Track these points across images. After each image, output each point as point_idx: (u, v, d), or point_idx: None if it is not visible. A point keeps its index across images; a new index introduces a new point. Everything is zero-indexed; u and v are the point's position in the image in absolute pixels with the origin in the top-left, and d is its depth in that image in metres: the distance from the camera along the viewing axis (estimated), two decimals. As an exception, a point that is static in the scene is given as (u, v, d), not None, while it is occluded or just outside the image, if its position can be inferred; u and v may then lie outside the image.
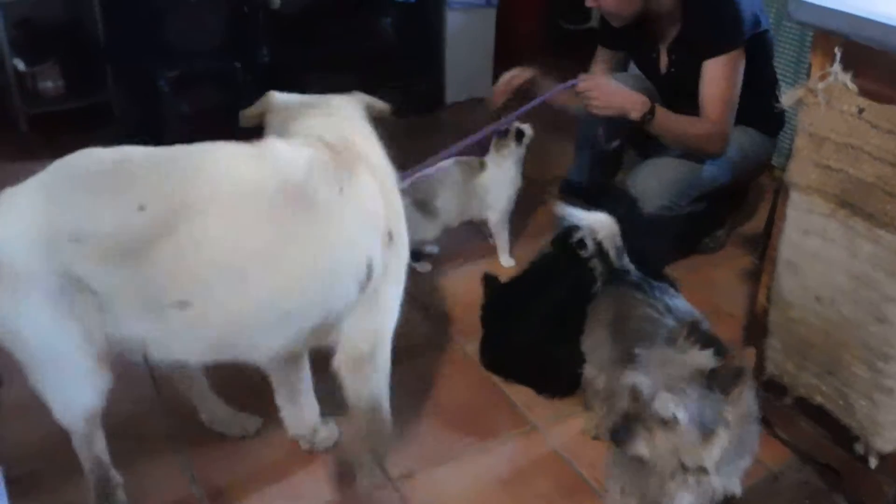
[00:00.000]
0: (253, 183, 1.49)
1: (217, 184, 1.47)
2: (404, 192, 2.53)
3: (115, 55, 3.31)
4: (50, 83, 3.56)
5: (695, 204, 2.53)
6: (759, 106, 2.38)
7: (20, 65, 3.45)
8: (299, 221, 1.50)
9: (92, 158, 1.48)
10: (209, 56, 3.38)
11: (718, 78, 2.32)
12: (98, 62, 3.45)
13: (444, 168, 2.61)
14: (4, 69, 3.38)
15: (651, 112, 2.31)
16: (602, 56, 2.68)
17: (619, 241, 1.86)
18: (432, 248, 2.71)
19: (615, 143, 2.62)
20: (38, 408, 1.57)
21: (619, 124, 2.44)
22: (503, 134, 2.63)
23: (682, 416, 1.35)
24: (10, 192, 1.47)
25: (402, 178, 1.98)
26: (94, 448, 1.65)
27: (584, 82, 2.34)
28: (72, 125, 3.36)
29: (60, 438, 1.66)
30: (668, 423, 1.37)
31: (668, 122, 2.36)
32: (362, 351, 1.66)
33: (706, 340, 1.43)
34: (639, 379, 1.39)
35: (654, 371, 1.39)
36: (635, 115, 2.32)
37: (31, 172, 3.02)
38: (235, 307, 1.47)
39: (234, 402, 2.03)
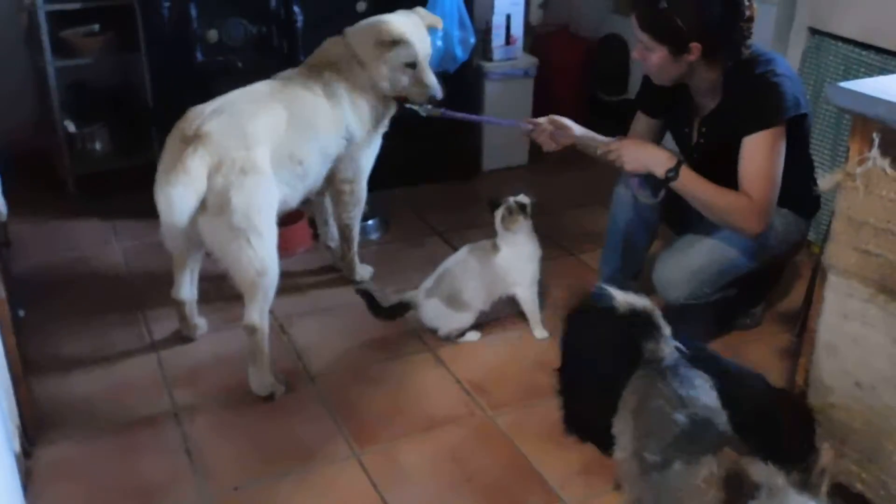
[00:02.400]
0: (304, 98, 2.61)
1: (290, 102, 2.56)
2: (430, 292, 2.62)
3: (161, 118, 3.40)
4: (98, 144, 3.67)
5: (724, 290, 2.49)
6: (795, 188, 2.37)
7: (70, 126, 3.56)
8: (322, 113, 2.62)
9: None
10: (252, 122, 3.47)
11: (758, 153, 2.30)
12: (145, 125, 3.55)
13: (461, 260, 2.64)
14: (55, 130, 3.49)
15: (676, 169, 2.33)
16: (640, 121, 2.69)
17: (658, 321, 1.82)
18: (473, 336, 2.69)
19: (659, 197, 2.49)
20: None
21: (656, 181, 2.44)
22: (508, 211, 2.62)
23: None
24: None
25: (443, 115, 2.78)
26: None
27: (614, 143, 2.45)
28: (118, 186, 3.45)
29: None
30: None
31: (696, 185, 2.35)
32: (348, 176, 2.80)
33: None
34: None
35: None
36: (660, 169, 2.35)
37: (79, 231, 3.15)
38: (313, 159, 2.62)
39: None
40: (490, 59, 3.84)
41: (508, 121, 2.96)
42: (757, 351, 2.64)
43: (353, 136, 2.71)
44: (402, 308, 2.66)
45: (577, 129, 2.65)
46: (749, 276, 2.52)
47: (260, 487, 2.05)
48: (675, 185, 2.36)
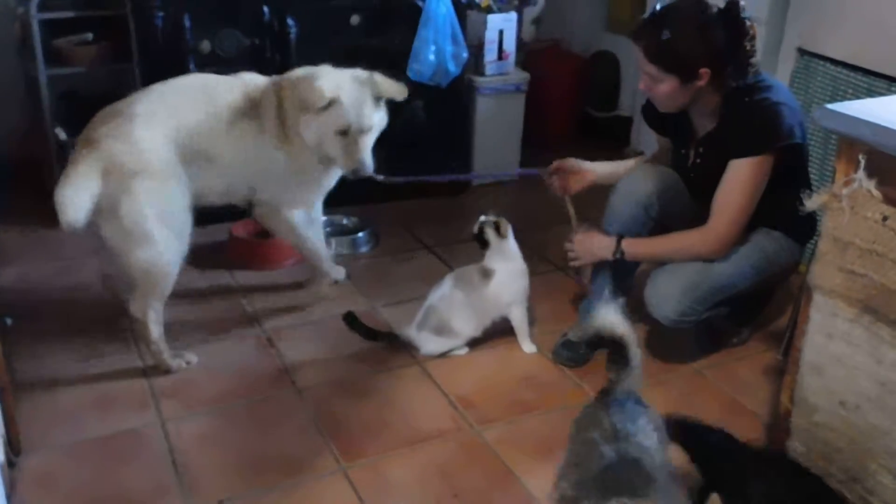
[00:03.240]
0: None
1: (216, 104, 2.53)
2: (420, 326, 2.63)
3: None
4: (89, 153, 3.66)
5: (715, 309, 2.50)
6: (789, 213, 2.37)
7: (62, 135, 3.55)
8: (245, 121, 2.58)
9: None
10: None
11: (736, 181, 2.32)
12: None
13: (445, 295, 2.63)
14: (46, 139, 3.48)
15: (618, 249, 2.47)
16: (659, 139, 2.73)
17: (629, 351, 1.74)
18: (461, 350, 2.68)
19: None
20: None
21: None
22: (480, 234, 2.64)
23: None
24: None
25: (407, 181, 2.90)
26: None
27: (570, 246, 2.60)
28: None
29: None
30: None
31: (646, 247, 2.49)
32: (265, 200, 2.73)
33: None
34: None
35: None
36: (607, 253, 2.50)
37: (65, 241, 3.13)
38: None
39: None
40: (482, 74, 3.86)
41: (495, 174, 2.74)
42: (743, 369, 2.65)
43: (277, 160, 2.63)
44: (393, 338, 2.67)
45: (596, 168, 2.70)
46: (739, 296, 2.53)
47: (246, 500, 2.04)
48: (627, 257, 2.48)
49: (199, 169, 2.49)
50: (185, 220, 2.46)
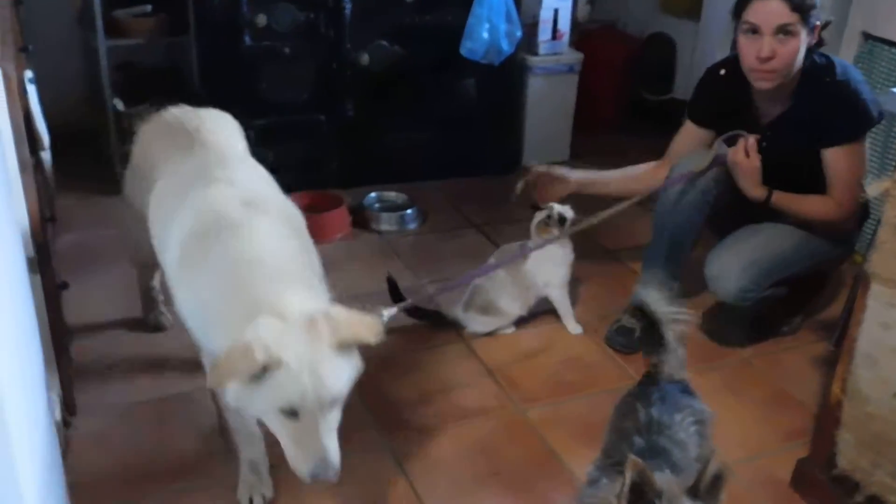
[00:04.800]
0: None
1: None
2: (467, 306, 2.63)
3: (207, 102, 3.43)
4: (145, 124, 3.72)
5: (775, 288, 2.48)
6: None
7: (119, 105, 3.62)
8: None
9: None
10: (296, 108, 3.51)
11: (847, 163, 2.36)
12: (192, 107, 3.59)
13: (489, 270, 2.61)
14: (105, 109, 3.55)
15: (769, 193, 2.41)
16: (688, 132, 2.67)
17: (667, 335, 1.76)
18: (508, 328, 2.68)
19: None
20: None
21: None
22: (547, 219, 2.60)
23: None
24: None
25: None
26: None
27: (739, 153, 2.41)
28: (162, 166, 3.50)
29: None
30: None
31: (788, 200, 2.43)
32: None
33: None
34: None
35: None
36: (759, 193, 2.41)
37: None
38: None
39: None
40: (535, 54, 3.83)
41: (487, 267, 2.59)
42: (792, 359, 2.61)
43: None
44: (436, 316, 2.67)
45: (574, 174, 2.70)
46: (797, 276, 2.51)
47: (289, 471, 2.07)
48: (772, 202, 2.42)
49: None
50: None
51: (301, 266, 1.76)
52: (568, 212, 2.61)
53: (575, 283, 2.75)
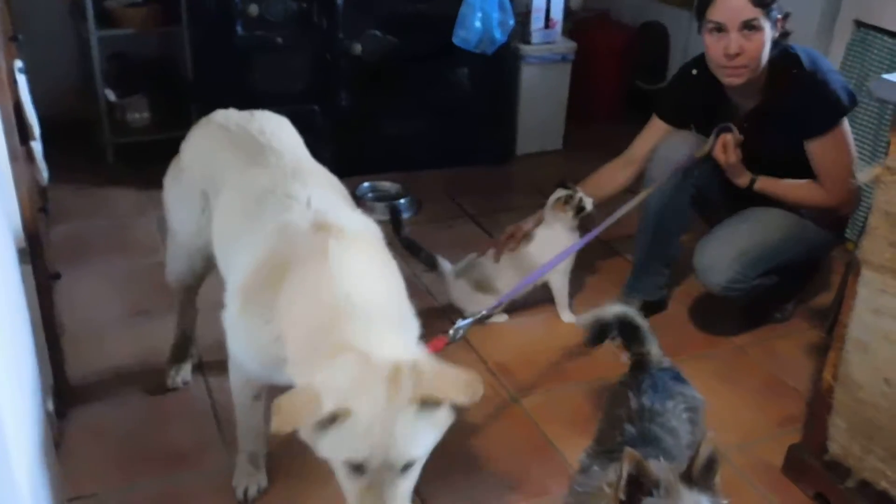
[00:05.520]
0: None
1: None
2: (460, 274, 2.64)
3: (200, 92, 3.44)
4: (137, 115, 3.72)
5: (765, 277, 2.48)
6: None
7: (111, 95, 3.62)
8: None
9: None
10: (289, 98, 3.48)
11: (831, 152, 2.37)
12: (184, 98, 3.59)
13: (491, 252, 2.63)
14: (97, 99, 3.54)
15: (752, 178, 2.44)
16: (656, 128, 2.65)
17: (644, 333, 1.83)
18: (501, 317, 2.69)
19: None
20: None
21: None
22: (567, 200, 2.61)
23: None
24: None
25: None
26: None
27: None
28: (156, 156, 3.47)
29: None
30: None
31: (774, 185, 2.45)
32: None
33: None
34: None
35: None
36: (742, 180, 2.44)
37: (116, 199, 3.17)
38: None
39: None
40: (528, 43, 3.82)
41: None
42: (786, 346, 2.62)
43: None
44: (428, 259, 2.70)
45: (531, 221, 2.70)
46: (788, 265, 2.52)
47: (289, 456, 2.07)
48: (756, 187, 2.45)
49: None
50: None
51: (390, 303, 1.59)
52: (590, 203, 2.61)
53: (572, 273, 2.74)
